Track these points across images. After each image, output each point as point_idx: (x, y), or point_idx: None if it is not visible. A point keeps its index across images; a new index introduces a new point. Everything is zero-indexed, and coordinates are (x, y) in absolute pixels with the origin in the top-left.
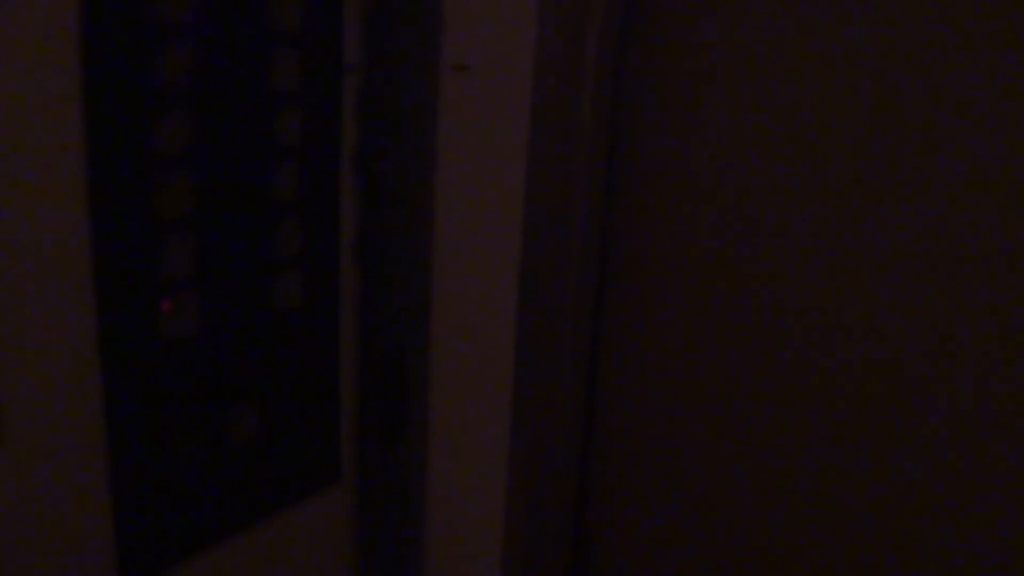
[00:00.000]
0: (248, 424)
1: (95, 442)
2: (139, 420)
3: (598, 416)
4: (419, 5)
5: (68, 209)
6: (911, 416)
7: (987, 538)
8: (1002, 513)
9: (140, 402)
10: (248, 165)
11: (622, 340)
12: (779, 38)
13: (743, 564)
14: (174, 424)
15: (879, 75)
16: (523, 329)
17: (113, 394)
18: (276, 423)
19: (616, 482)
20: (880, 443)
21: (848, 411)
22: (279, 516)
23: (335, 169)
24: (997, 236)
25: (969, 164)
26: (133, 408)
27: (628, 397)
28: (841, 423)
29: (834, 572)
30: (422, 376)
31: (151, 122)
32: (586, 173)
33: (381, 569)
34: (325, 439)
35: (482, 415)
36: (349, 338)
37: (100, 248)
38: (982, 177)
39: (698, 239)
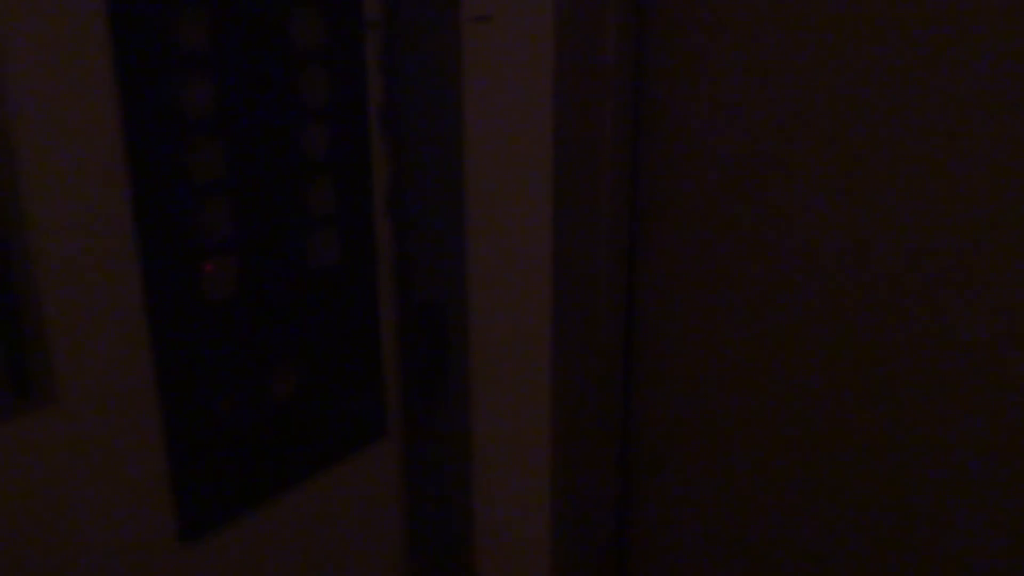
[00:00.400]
0: (291, 381)
1: (147, 401)
2: (186, 379)
3: (636, 362)
4: None
5: (110, 178)
6: (966, 407)
7: None
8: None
9: (186, 362)
10: (277, 125)
11: (658, 291)
12: None
13: (780, 556)
14: (220, 383)
15: (921, 59)
16: (559, 276)
17: (161, 354)
18: (320, 380)
19: (657, 433)
20: (931, 430)
21: (893, 397)
22: (329, 471)
23: (363, 126)
24: None
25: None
26: (180, 368)
27: (665, 349)
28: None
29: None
30: (461, 327)
31: (181, 86)
32: (613, 116)
33: (430, 520)
34: (370, 394)
35: (521, 362)
36: (387, 293)
37: (142, 213)
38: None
39: (726, 185)
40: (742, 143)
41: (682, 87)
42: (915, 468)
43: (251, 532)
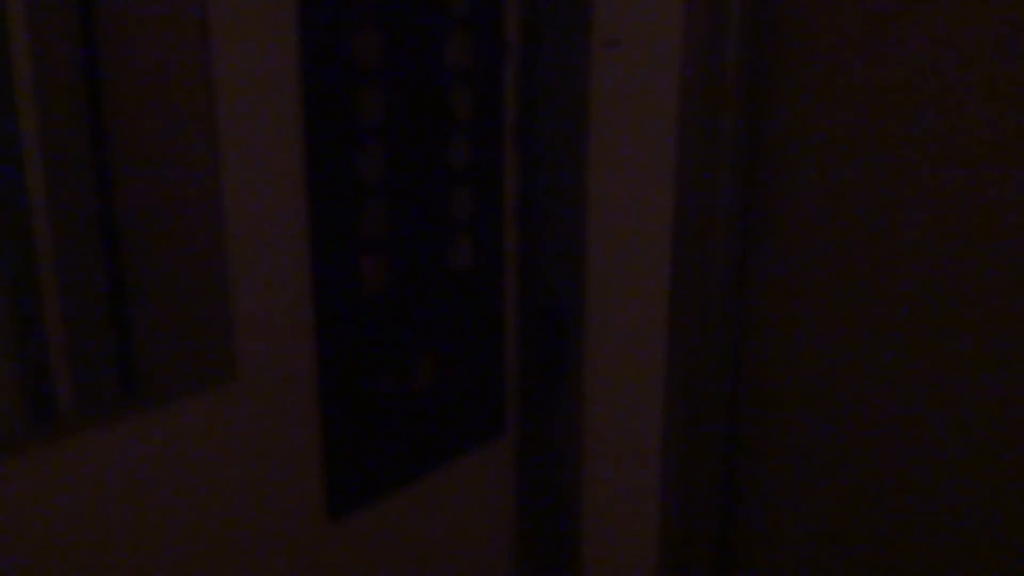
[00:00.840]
0: (429, 373)
1: (309, 384)
2: (342, 364)
3: (746, 372)
4: None
5: (289, 178)
6: None
7: None
8: None
9: (343, 348)
10: (429, 136)
11: (768, 311)
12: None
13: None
14: (370, 370)
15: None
16: (675, 288)
17: (323, 339)
18: (451, 375)
19: (763, 451)
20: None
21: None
22: (453, 464)
23: (499, 140)
24: None
25: None
26: (338, 353)
27: (774, 369)
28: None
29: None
30: (579, 332)
31: (353, 101)
32: (731, 141)
33: (541, 516)
34: (492, 393)
35: (635, 370)
36: (512, 297)
37: (314, 213)
38: None
39: (842, 209)
40: (857, 161)
41: (797, 106)
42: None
43: (387, 514)
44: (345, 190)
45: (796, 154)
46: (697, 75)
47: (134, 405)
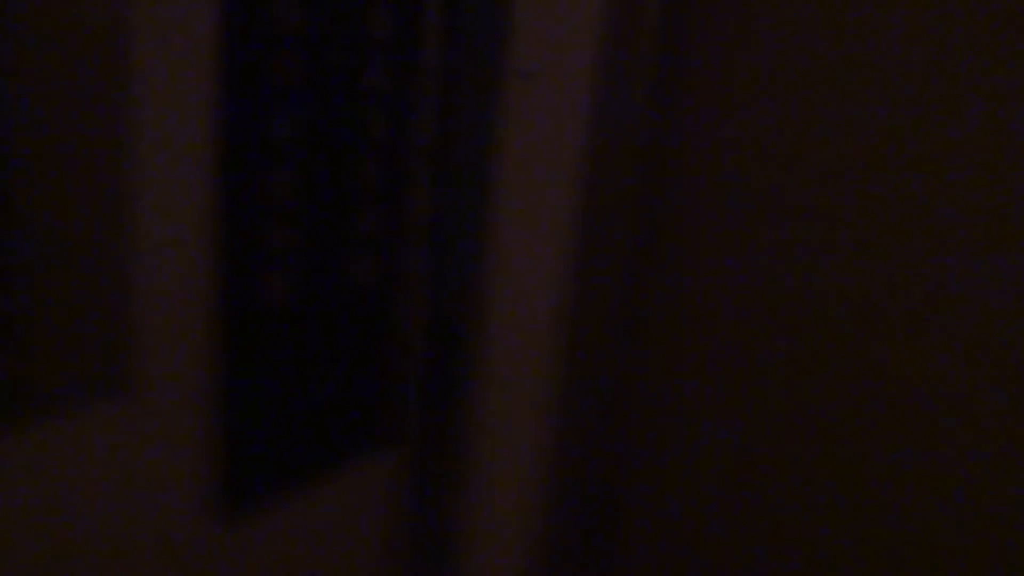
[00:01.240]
0: (328, 385)
1: (207, 393)
2: (244, 377)
3: (633, 399)
4: (489, 18)
5: (198, 193)
6: (948, 410)
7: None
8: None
9: (246, 361)
10: (341, 157)
11: (657, 333)
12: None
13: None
14: (270, 381)
15: (916, 69)
16: (571, 310)
17: (225, 352)
18: (350, 386)
19: (646, 467)
20: (919, 435)
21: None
22: (347, 471)
23: (410, 162)
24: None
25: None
26: (240, 366)
27: (661, 386)
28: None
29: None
30: (474, 345)
31: (268, 119)
32: (632, 172)
33: (430, 517)
34: (391, 403)
35: (526, 380)
36: (414, 311)
37: (221, 228)
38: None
39: (730, 220)
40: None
41: (696, 143)
42: (910, 488)
43: (281, 520)
44: (254, 207)
45: (691, 189)
46: (603, 108)
47: (22, 417)
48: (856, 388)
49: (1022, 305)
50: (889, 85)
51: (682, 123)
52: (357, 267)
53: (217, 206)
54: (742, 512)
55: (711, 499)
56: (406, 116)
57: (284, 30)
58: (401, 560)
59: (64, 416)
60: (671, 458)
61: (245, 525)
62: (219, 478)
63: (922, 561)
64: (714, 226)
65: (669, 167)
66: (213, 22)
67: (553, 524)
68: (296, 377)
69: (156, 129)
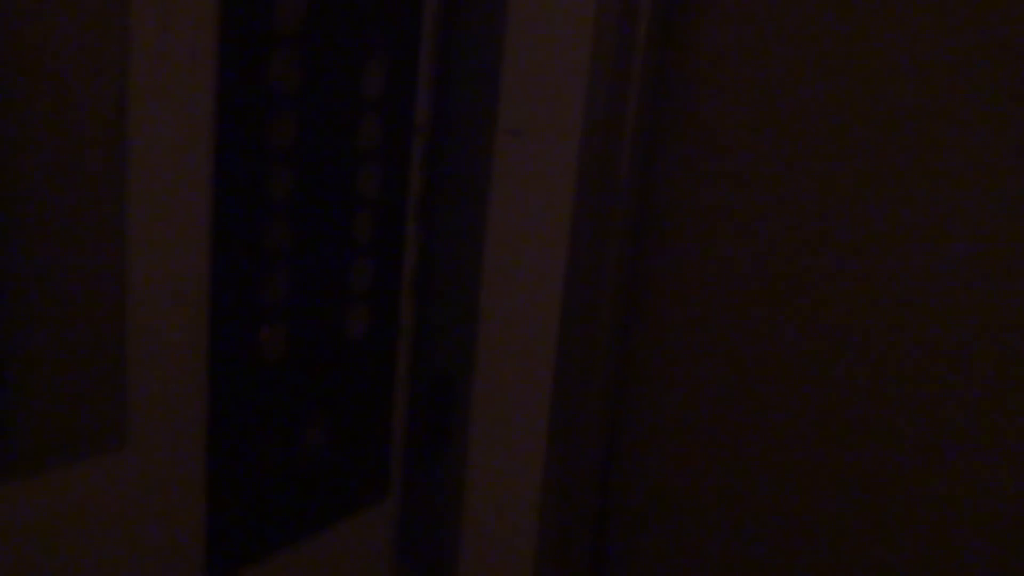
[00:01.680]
0: (318, 441)
1: (198, 449)
2: (234, 432)
3: (624, 440)
4: (480, 76)
5: (192, 248)
6: (936, 421)
7: (1003, 541)
8: (1016, 519)
9: (236, 417)
10: (334, 213)
11: (650, 371)
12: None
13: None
14: (261, 436)
15: (889, 82)
16: (560, 363)
17: (215, 407)
18: (340, 441)
19: (638, 503)
20: (909, 447)
21: (870, 414)
22: (337, 526)
23: (402, 217)
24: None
25: (984, 165)
26: (230, 421)
27: (654, 425)
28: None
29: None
30: (466, 400)
31: (262, 175)
32: (621, 223)
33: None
34: (379, 457)
35: (519, 437)
36: (404, 364)
37: (214, 282)
38: (998, 178)
39: (726, 265)
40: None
41: (683, 192)
42: (908, 477)
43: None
44: (248, 262)
45: (680, 238)
46: (592, 165)
47: (12, 472)
48: (855, 387)
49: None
50: (880, 85)
51: (674, 174)
52: (350, 321)
53: (212, 261)
54: (744, 535)
55: (714, 544)
56: (399, 172)
57: (281, 92)
58: None
59: (57, 470)
60: (666, 510)
61: None
62: (206, 537)
63: (918, 562)
64: (705, 279)
65: (658, 228)
66: (209, 87)
67: (548, 571)
68: (285, 432)
69: (150, 189)
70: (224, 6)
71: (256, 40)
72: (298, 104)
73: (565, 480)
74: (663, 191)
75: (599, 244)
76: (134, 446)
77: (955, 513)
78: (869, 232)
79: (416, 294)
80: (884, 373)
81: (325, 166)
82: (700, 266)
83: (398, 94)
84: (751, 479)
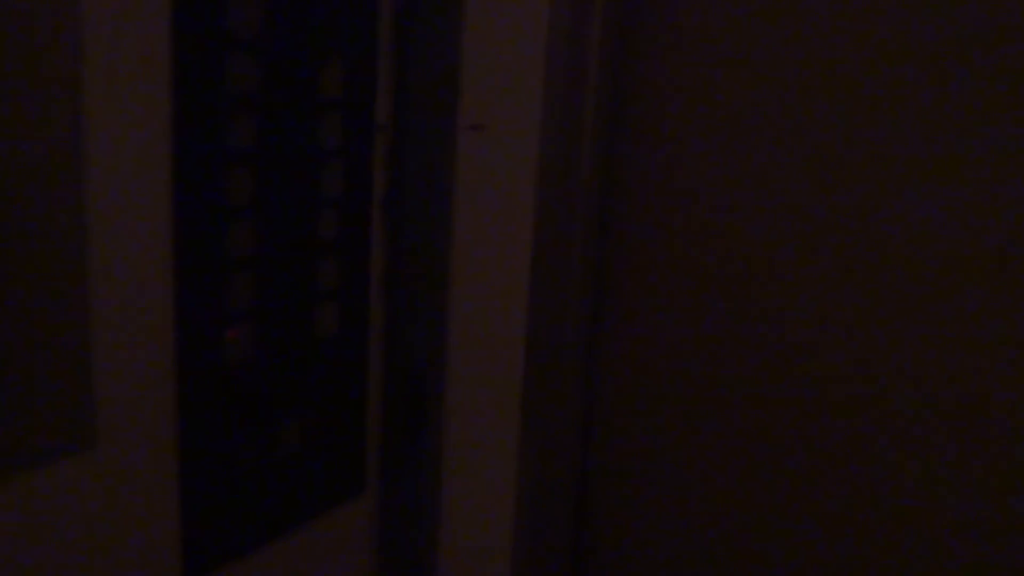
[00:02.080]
0: (291, 439)
1: (169, 449)
2: (204, 433)
3: (597, 431)
4: (440, 73)
5: (156, 249)
6: (910, 419)
7: (981, 539)
8: (999, 517)
9: (206, 417)
10: (298, 212)
11: (619, 362)
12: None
13: (739, 566)
14: (232, 436)
15: (871, 79)
16: (529, 355)
17: (185, 408)
18: (313, 439)
19: (614, 492)
20: (884, 445)
21: (846, 414)
22: (314, 522)
23: (367, 214)
24: (992, 239)
25: (970, 167)
26: (200, 422)
27: (625, 414)
28: (840, 426)
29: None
30: (438, 395)
31: (224, 179)
32: (585, 215)
33: (399, 569)
34: (354, 453)
35: (492, 430)
36: (376, 361)
37: (179, 285)
38: (980, 180)
39: (690, 256)
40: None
41: (646, 191)
42: (884, 475)
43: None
44: (213, 264)
45: (644, 228)
46: (554, 157)
47: None
48: (822, 378)
49: (1014, 305)
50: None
51: (634, 165)
52: (319, 320)
53: (176, 263)
54: (721, 526)
55: (691, 533)
56: (362, 170)
57: (239, 95)
58: None
59: (25, 473)
60: (643, 499)
61: None
62: (181, 535)
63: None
64: (671, 270)
65: (622, 211)
66: (165, 92)
67: (526, 563)
68: (257, 432)
69: (110, 193)
70: (177, 10)
71: (210, 44)
72: (257, 107)
73: (541, 471)
74: (626, 181)
75: (565, 235)
76: (105, 447)
77: (935, 505)
78: (832, 225)
79: (385, 291)
80: (848, 361)
81: (287, 167)
82: (666, 256)
83: (358, 93)
84: (724, 470)
